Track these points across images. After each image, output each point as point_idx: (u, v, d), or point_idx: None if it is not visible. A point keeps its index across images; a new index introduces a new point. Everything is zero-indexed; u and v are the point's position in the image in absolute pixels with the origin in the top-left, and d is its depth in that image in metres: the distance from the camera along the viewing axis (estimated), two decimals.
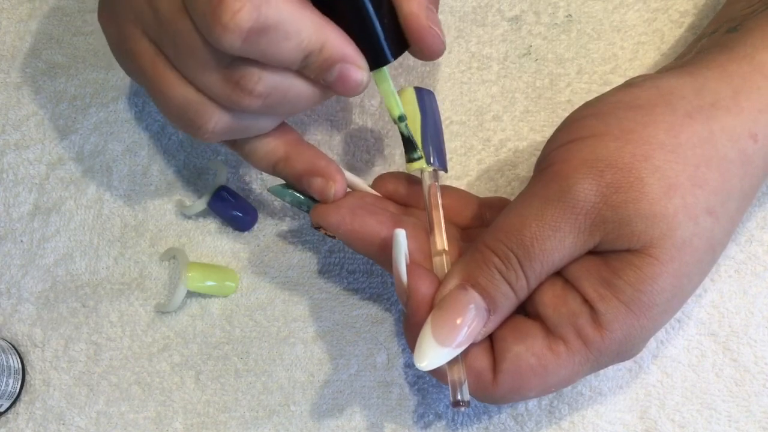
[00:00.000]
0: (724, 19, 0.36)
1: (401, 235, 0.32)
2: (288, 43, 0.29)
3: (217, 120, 0.32)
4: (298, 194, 0.36)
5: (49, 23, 0.46)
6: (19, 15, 0.46)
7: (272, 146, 0.35)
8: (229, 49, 0.28)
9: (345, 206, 0.34)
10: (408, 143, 0.34)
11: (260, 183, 0.42)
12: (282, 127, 0.35)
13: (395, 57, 0.32)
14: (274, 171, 0.35)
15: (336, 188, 0.34)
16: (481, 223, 0.37)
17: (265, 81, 0.30)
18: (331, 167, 0.35)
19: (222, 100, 0.31)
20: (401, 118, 0.34)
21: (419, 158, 0.34)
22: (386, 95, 0.33)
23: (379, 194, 0.37)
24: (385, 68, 0.32)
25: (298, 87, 0.31)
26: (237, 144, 0.35)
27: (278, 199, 0.42)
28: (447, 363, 0.31)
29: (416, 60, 0.43)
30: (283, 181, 0.36)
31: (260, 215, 0.42)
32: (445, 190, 0.37)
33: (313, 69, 0.30)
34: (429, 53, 0.33)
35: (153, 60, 0.31)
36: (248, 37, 0.28)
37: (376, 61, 0.31)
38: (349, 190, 0.36)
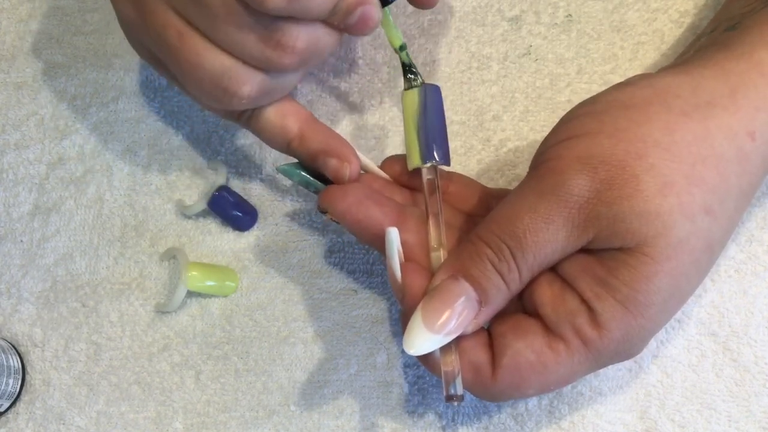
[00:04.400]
0: (723, 18, 0.36)
1: (393, 234, 0.32)
2: None
3: (252, 83, 0.32)
4: (307, 175, 0.36)
5: (49, 23, 0.46)
6: (19, 15, 0.46)
7: (287, 124, 0.35)
8: (273, 10, 0.29)
9: (352, 195, 0.34)
10: (408, 70, 0.37)
11: (260, 183, 0.42)
12: (295, 106, 0.36)
13: None
14: (288, 149, 0.36)
15: (351, 169, 0.35)
16: (486, 212, 0.37)
17: (303, 36, 0.31)
18: (347, 148, 0.35)
19: (261, 62, 0.32)
20: (402, 47, 0.36)
21: (417, 86, 0.36)
22: (388, 29, 0.36)
23: (389, 177, 0.37)
24: (387, 7, 0.35)
25: (326, 37, 0.32)
26: (252, 121, 0.36)
27: (279, 199, 0.42)
28: (441, 356, 0.32)
29: (416, 59, 0.43)
30: (288, 164, 0.36)
31: (260, 215, 0.42)
32: (452, 176, 0.38)
33: (339, 15, 0.31)
34: (424, 1, 0.36)
35: (180, 31, 0.31)
36: None
37: (382, 1, 0.34)
38: (361, 171, 0.36)
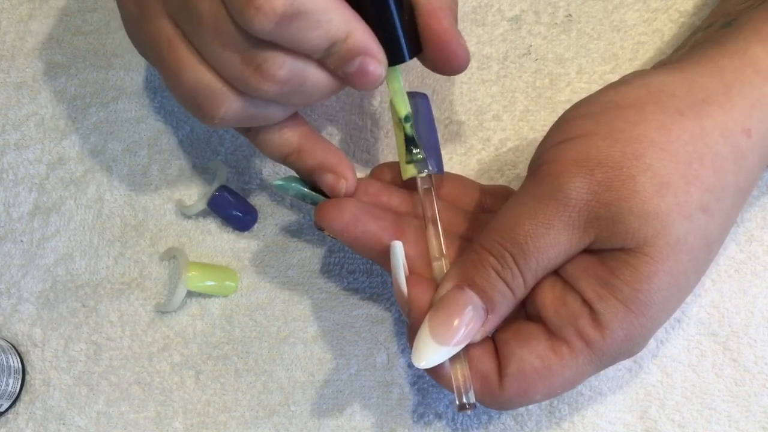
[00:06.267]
0: (719, 14, 0.36)
1: (398, 247, 0.32)
2: (317, 31, 0.29)
3: (228, 106, 0.31)
4: (302, 188, 0.36)
5: (49, 23, 0.46)
6: (19, 15, 0.46)
7: (285, 138, 0.35)
8: (259, 33, 0.28)
9: (348, 212, 0.34)
10: (411, 143, 0.35)
11: (260, 183, 0.42)
12: (296, 119, 0.35)
13: (411, 57, 0.32)
14: (285, 162, 0.36)
15: (347, 186, 0.35)
16: (482, 210, 0.37)
17: (287, 67, 0.30)
18: (343, 164, 0.35)
19: (239, 84, 0.30)
20: (407, 119, 0.34)
21: (420, 160, 0.35)
22: (395, 94, 0.34)
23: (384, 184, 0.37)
24: (399, 67, 0.33)
25: (316, 76, 0.31)
26: (250, 133, 0.35)
27: (279, 199, 0.42)
28: (451, 367, 0.32)
29: (416, 59, 0.43)
30: (282, 179, 0.36)
31: (260, 215, 0.42)
32: (447, 177, 0.38)
33: (335, 59, 0.30)
34: (451, 62, 0.32)
35: (170, 39, 0.31)
36: (280, 22, 0.28)
37: (392, 58, 0.32)
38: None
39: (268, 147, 0.35)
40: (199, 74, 0.31)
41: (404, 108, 0.34)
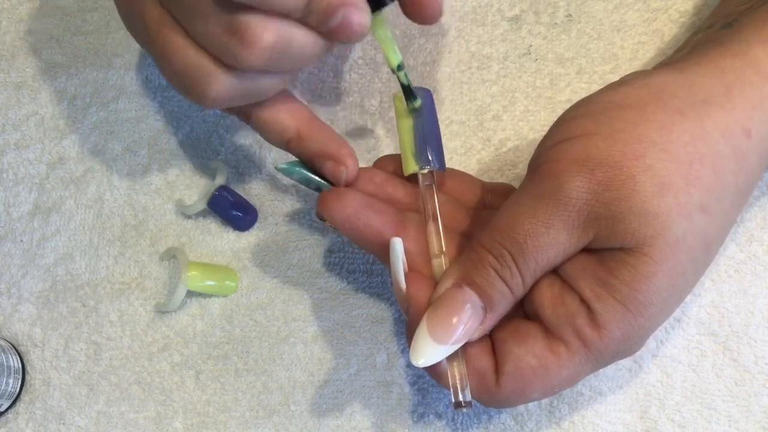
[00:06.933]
0: (720, 15, 0.36)
1: (398, 244, 0.32)
2: None
3: (220, 84, 0.31)
4: (307, 173, 0.36)
5: (49, 23, 0.46)
6: (19, 15, 0.46)
7: (286, 124, 0.35)
8: None
9: (350, 204, 0.34)
10: (407, 92, 0.35)
11: (260, 183, 0.42)
12: (294, 105, 0.35)
13: (392, 0, 0.31)
14: (287, 148, 0.36)
15: (347, 173, 0.35)
16: (483, 207, 0.37)
17: (270, 30, 0.29)
18: (343, 151, 0.35)
19: (227, 57, 0.30)
20: (400, 67, 0.34)
21: (417, 108, 0.35)
22: (384, 42, 0.33)
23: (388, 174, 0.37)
24: (383, 15, 0.31)
25: (301, 37, 0.30)
26: (251, 118, 0.35)
27: (279, 199, 0.42)
28: (448, 364, 0.32)
29: (416, 59, 0.43)
30: (287, 163, 0.36)
31: (260, 215, 0.42)
32: (449, 173, 0.38)
33: (316, 15, 0.29)
34: (424, 15, 0.33)
35: (159, 22, 0.31)
36: None
37: (373, 5, 0.31)
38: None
39: (268, 133, 0.35)
40: (188, 55, 0.31)
41: (394, 57, 0.33)
